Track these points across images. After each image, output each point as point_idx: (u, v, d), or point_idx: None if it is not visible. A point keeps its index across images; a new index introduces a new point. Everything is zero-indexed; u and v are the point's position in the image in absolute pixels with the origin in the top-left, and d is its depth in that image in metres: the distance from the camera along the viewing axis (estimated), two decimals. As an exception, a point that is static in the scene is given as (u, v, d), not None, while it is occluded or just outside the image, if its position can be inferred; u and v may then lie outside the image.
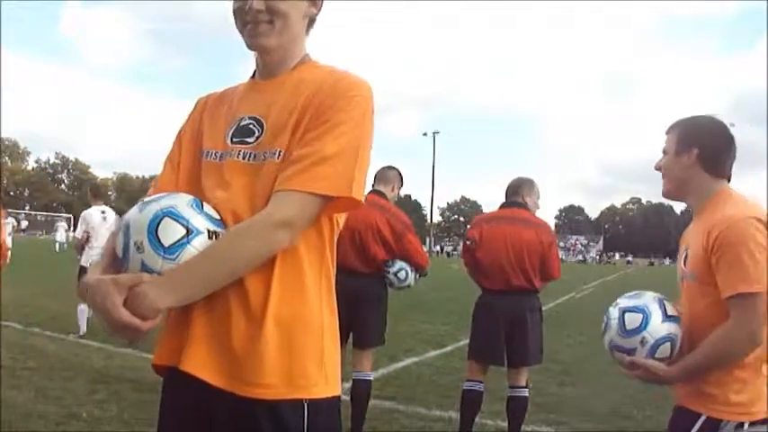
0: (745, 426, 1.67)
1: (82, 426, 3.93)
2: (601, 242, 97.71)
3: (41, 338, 6.83)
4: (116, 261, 1.24)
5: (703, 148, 1.83)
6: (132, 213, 1.25)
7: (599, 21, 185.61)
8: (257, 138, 1.31)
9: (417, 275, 4.09)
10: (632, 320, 1.73)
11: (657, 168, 1.93)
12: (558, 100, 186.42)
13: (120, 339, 1.21)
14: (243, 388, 1.19)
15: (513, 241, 3.81)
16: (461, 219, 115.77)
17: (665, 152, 1.92)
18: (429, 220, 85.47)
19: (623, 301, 1.81)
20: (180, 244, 1.18)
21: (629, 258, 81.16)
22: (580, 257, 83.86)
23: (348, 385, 4.18)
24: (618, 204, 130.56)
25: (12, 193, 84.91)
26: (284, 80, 1.37)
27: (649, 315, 1.72)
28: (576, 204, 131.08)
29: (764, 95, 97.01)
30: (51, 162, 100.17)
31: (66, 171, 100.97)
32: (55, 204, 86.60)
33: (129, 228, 1.22)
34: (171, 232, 1.18)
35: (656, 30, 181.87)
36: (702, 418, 1.70)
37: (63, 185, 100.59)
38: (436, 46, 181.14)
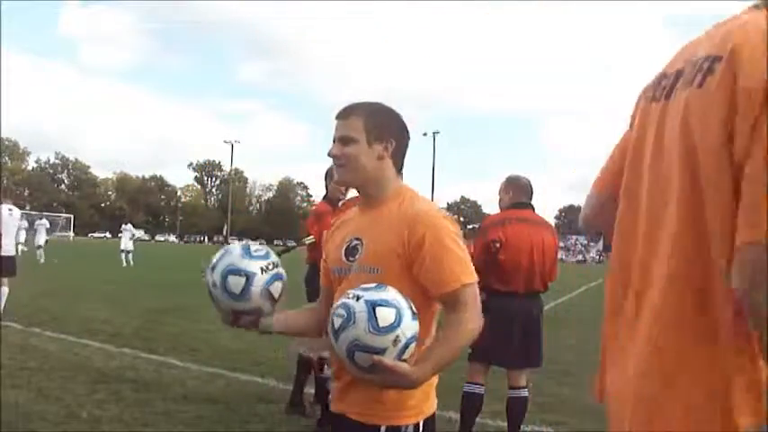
0: (420, 424, 1.67)
1: (82, 426, 3.94)
2: (601, 242, 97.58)
3: (41, 338, 6.83)
4: None
5: (397, 141, 1.75)
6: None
7: (599, 20, 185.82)
8: None
9: None
10: (386, 316, 1.49)
11: (335, 156, 1.72)
12: (557, 100, 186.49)
13: None
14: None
15: (537, 243, 3.80)
16: (461, 219, 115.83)
17: (345, 139, 1.71)
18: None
19: (370, 294, 1.52)
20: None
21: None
22: (580, 257, 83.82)
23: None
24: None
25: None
26: None
27: (402, 311, 1.51)
28: (576, 204, 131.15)
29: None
30: (51, 162, 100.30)
31: (66, 171, 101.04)
32: (55, 204, 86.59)
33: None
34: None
35: (656, 29, 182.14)
36: (382, 430, 1.63)
37: (63, 185, 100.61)
38: (437, 46, 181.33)
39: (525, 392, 3.90)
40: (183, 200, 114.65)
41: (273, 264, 1.71)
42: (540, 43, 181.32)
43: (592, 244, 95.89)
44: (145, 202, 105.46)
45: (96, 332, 7.29)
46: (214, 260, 1.69)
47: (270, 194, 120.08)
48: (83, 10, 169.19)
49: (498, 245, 3.79)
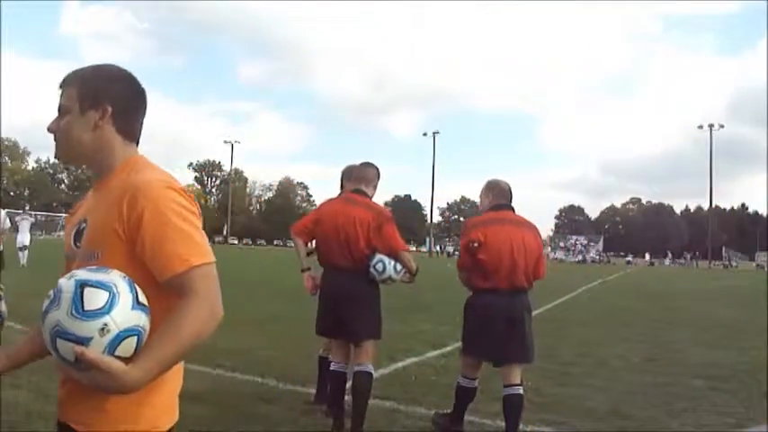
0: None
1: (82, 426, 3.93)
2: (601, 242, 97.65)
3: (41, 338, 6.83)
4: None
5: (117, 105, 1.50)
6: None
7: (599, 20, 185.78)
8: None
9: (398, 267, 4.08)
10: (95, 299, 1.23)
11: (50, 130, 1.52)
12: (558, 100, 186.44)
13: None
14: None
15: (518, 242, 3.95)
16: (461, 219, 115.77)
17: (61, 110, 1.52)
18: (429, 220, 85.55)
19: (84, 273, 1.29)
20: None
21: (629, 258, 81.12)
22: (580, 257, 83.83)
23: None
24: (618, 204, 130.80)
25: (12, 193, 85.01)
26: None
27: (117, 296, 1.25)
28: (576, 204, 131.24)
29: (764, 95, 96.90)
30: (51, 162, 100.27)
31: (66, 171, 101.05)
32: (55, 204, 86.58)
33: None
34: None
35: (656, 29, 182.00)
36: None
37: (63, 185, 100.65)
38: (437, 45, 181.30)
39: (519, 389, 3.94)
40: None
41: None
42: (541, 43, 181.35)
43: (592, 244, 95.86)
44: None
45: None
46: None
47: (270, 194, 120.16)
48: (83, 10, 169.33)
49: (476, 244, 3.95)
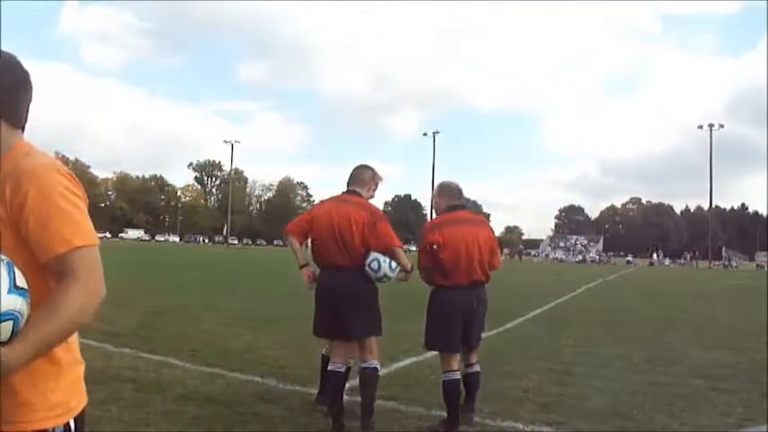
0: (71, 424, 1.44)
1: (82, 426, 3.92)
2: (601, 242, 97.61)
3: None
4: None
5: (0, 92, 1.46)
6: None
7: (599, 20, 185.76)
8: None
9: (393, 265, 4.11)
10: None
11: None
12: (558, 100, 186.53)
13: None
14: None
15: (472, 239, 4.20)
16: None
17: None
18: (429, 220, 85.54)
19: None
20: None
21: (629, 258, 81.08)
22: (580, 257, 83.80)
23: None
24: (618, 204, 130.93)
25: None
26: None
27: None
28: (576, 204, 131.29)
29: (764, 95, 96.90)
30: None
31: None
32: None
33: None
34: None
35: (656, 28, 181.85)
36: None
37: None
38: (437, 45, 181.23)
39: (478, 367, 4.39)
40: (183, 200, 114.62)
41: None
42: (541, 43, 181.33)
43: (592, 244, 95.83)
44: (145, 201, 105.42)
45: (96, 332, 7.29)
46: None
47: (270, 194, 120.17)
48: (83, 10, 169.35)
49: (435, 246, 4.16)
